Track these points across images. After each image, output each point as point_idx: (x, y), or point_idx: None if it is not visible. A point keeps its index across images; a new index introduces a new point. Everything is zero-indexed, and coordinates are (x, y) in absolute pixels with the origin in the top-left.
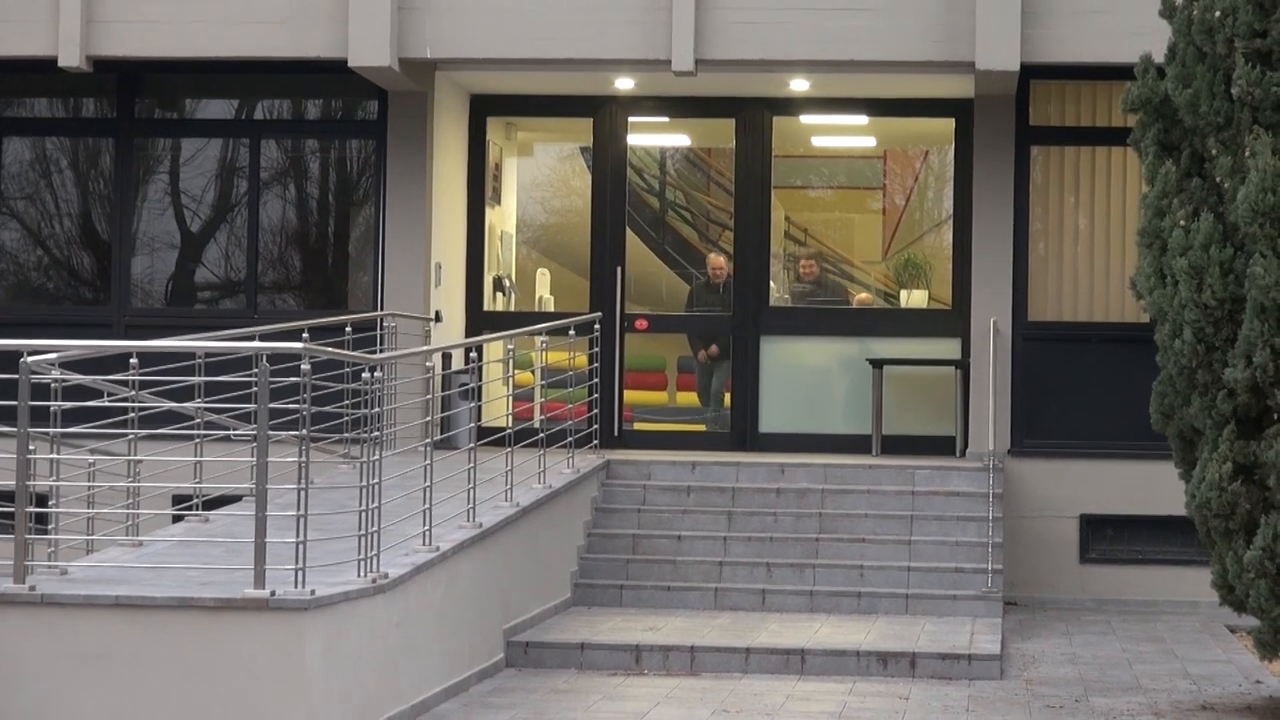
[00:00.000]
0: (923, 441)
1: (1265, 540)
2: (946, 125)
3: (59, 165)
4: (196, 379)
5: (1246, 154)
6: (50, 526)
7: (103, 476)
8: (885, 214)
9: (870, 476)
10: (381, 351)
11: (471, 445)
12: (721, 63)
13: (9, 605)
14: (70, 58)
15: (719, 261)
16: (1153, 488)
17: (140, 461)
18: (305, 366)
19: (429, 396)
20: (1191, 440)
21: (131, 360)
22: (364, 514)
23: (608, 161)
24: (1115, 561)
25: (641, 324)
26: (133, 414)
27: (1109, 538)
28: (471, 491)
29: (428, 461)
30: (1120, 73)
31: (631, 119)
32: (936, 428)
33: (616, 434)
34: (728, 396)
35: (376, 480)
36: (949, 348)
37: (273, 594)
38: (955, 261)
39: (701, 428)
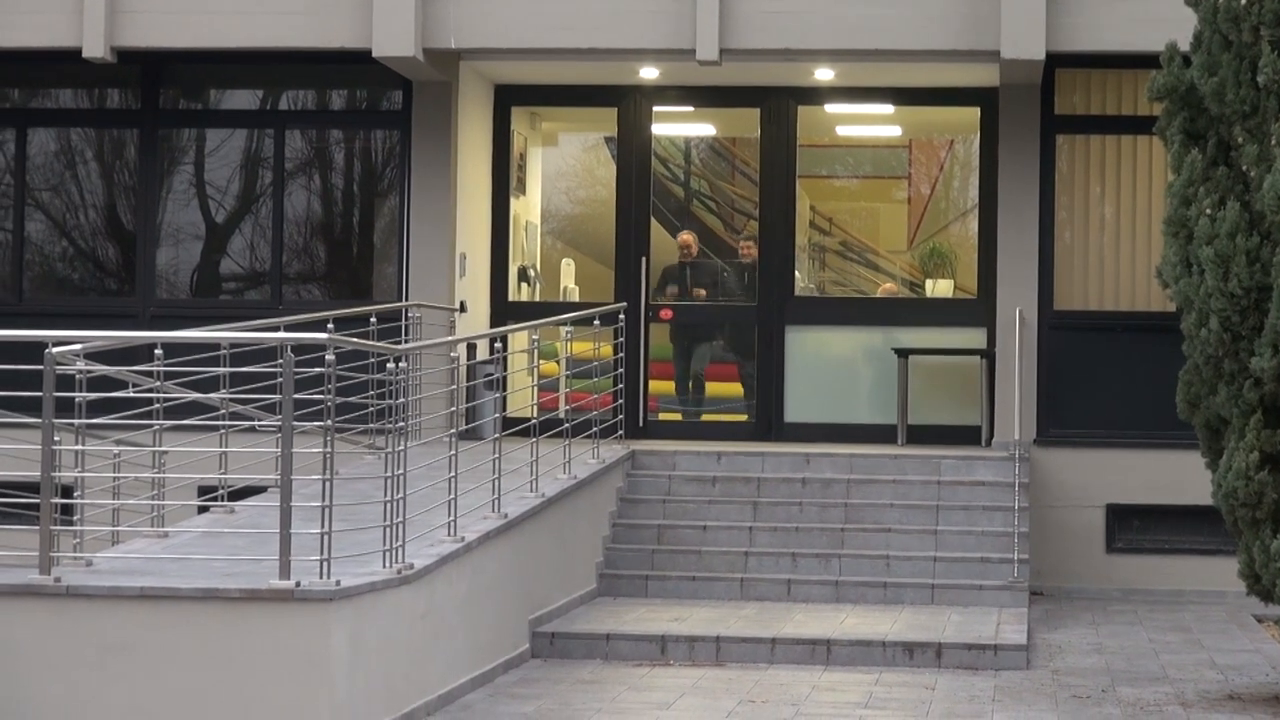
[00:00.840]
0: (948, 431)
1: None
2: (972, 114)
3: (84, 156)
4: (221, 370)
5: (1273, 142)
6: (75, 518)
7: (128, 468)
8: (910, 203)
9: (895, 466)
10: (406, 342)
11: (496, 436)
12: (746, 52)
13: (34, 597)
14: (94, 48)
15: (686, 239)
16: (1179, 477)
17: (165, 453)
18: (330, 357)
19: (454, 387)
20: (1218, 429)
21: (156, 351)
22: (389, 505)
23: (632, 151)
24: (1142, 551)
25: (666, 314)
26: (158, 405)
27: (1135, 527)
28: (496, 482)
29: (453, 452)
30: (1146, 61)
31: (656, 109)
32: (962, 417)
33: (642, 424)
34: (736, 386)
35: (401, 471)
36: (974, 337)
37: (298, 585)
38: (980, 251)
39: (728, 417)
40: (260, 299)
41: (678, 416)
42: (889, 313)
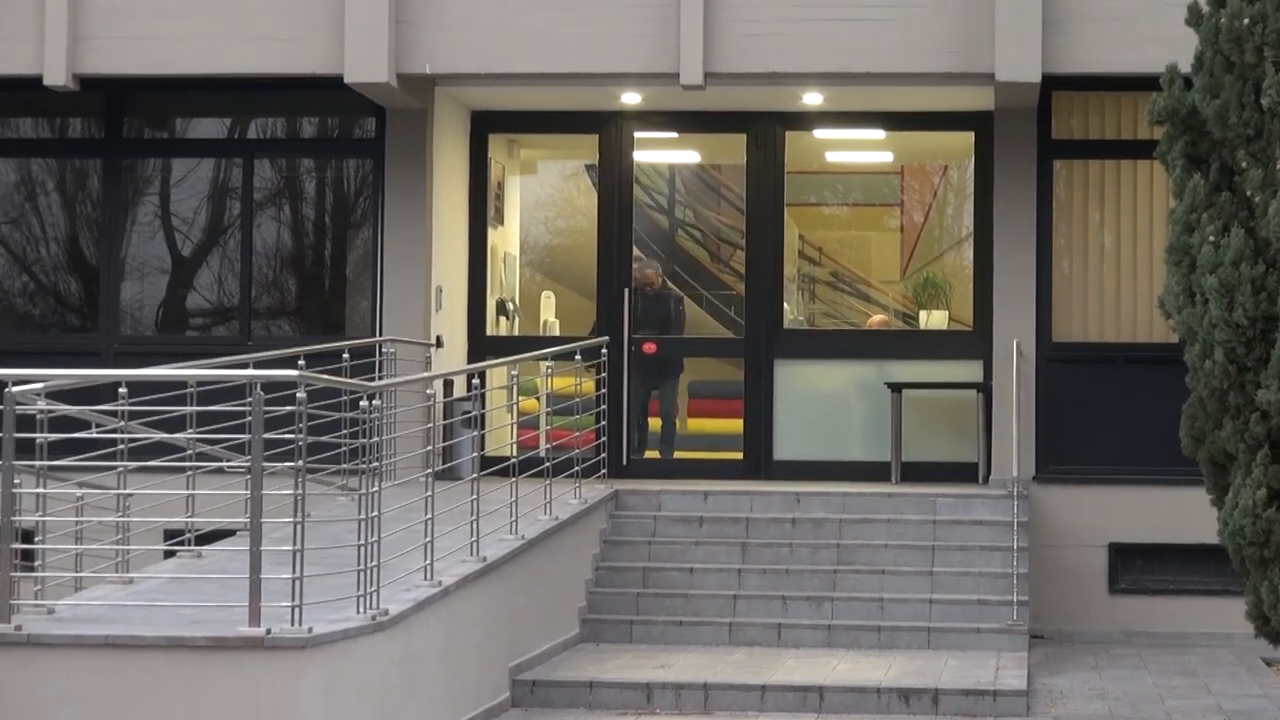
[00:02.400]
0: (944, 468)
1: None
2: (966, 139)
3: (45, 187)
4: (188, 409)
5: (1278, 166)
6: (37, 564)
7: (91, 511)
8: (903, 231)
9: (890, 505)
10: (380, 378)
11: (474, 476)
12: (731, 76)
13: None
14: (56, 76)
15: (648, 277)
16: (1184, 515)
17: (130, 495)
18: (301, 395)
19: (430, 425)
20: (1224, 465)
21: (121, 390)
22: (363, 548)
23: (614, 179)
24: (1145, 592)
25: (650, 348)
26: (122, 445)
27: (1139, 567)
28: (475, 524)
29: (429, 493)
30: (1146, 83)
31: (638, 135)
32: (958, 454)
33: (625, 463)
34: (738, 423)
35: (376, 513)
36: (970, 370)
37: (268, 632)
38: (976, 280)
39: (715, 455)
40: (228, 335)
41: (661, 455)
42: (881, 345)
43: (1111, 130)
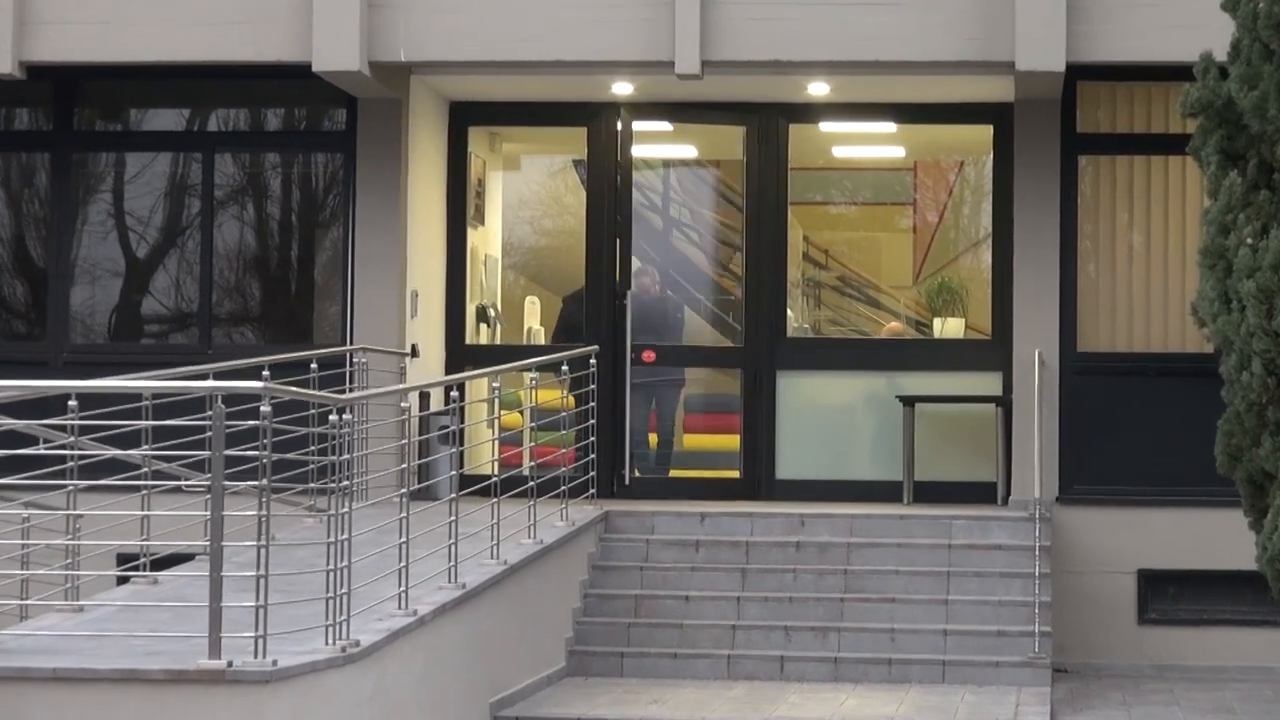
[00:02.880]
0: (960, 488)
1: None
2: (984, 133)
3: None
4: (143, 423)
5: None
6: None
7: (38, 534)
8: (916, 233)
9: (901, 528)
10: (351, 391)
11: (453, 496)
12: (730, 64)
13: None
14: (2, 64)
15: (645, 283)
16: (1219, 539)
17: (81, 516)
18: (265, 408)
19: (405, 441)
20: (1262, 485)
21: (70, 402)
22: (332, 574)
23: (604, 176)
24: (1178, 622)
25: (649, 356)
26: (72, 463)
27: (1170, 595)
28: (453, 548)
29: (404, 514)
30: (1178, 73)
31: (630, 128)
32: (975, 473)
33: (628, 483)
34: (736, 439)
35: (346, 536)
36: (989, 382)
37: (230, 665)
38: (995, 286)
39: (712, 473)
40: (187, 343)
41: (655, 473)
42: (893, 356)
43: (1141, 123)
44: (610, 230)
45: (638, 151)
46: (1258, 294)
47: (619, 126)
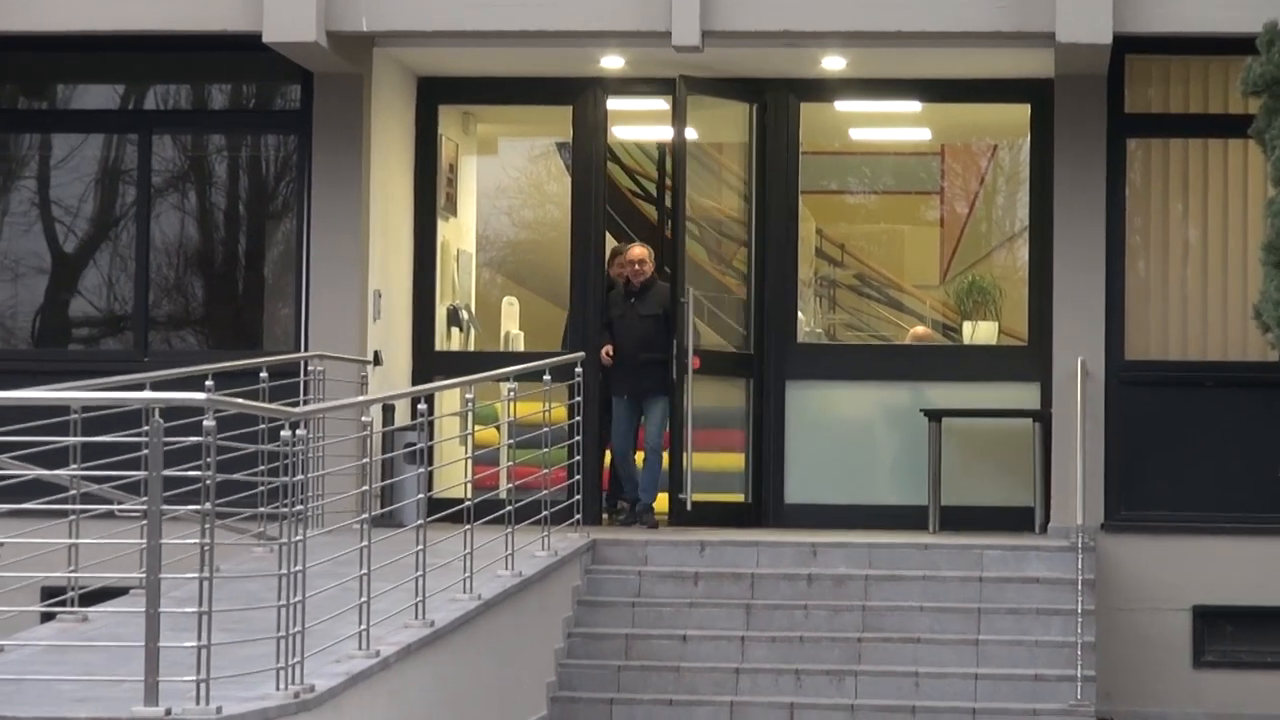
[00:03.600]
0: (992, 514)
1: None
2: (1020, 113)
3: None
4: (71, 439)
5: None
6: None
7: None
8: (944, 225)
9: (926, 559)
10: (306, 403)
11: (420, 522)
12: (734, 35)
13: None
14: None
15: (639, 253)
16: None
17: (1, 545)
18: (209, 423)
19: (366, 460)
20: None
21: None
22: (284, 610)
23: (591, 161)
24: (1237, 665)
25: (696, 362)
26: None
27: (1229, 635)
28: (420, 581)
29: (365, 543)
30: (1239, 45)
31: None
32: (1010, 497)
33: (689, 508)
34: (740, 458)
35: (300, 567)
36: (1025, 395)
37: (169, 712)
38: (1032, 285)
39: (713, 497)
40: (121, 349)
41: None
42: (917, 364)
43: (1197, 103)
44: (599, 222)
45: (629, 134)
46: None
47: (609, 106)
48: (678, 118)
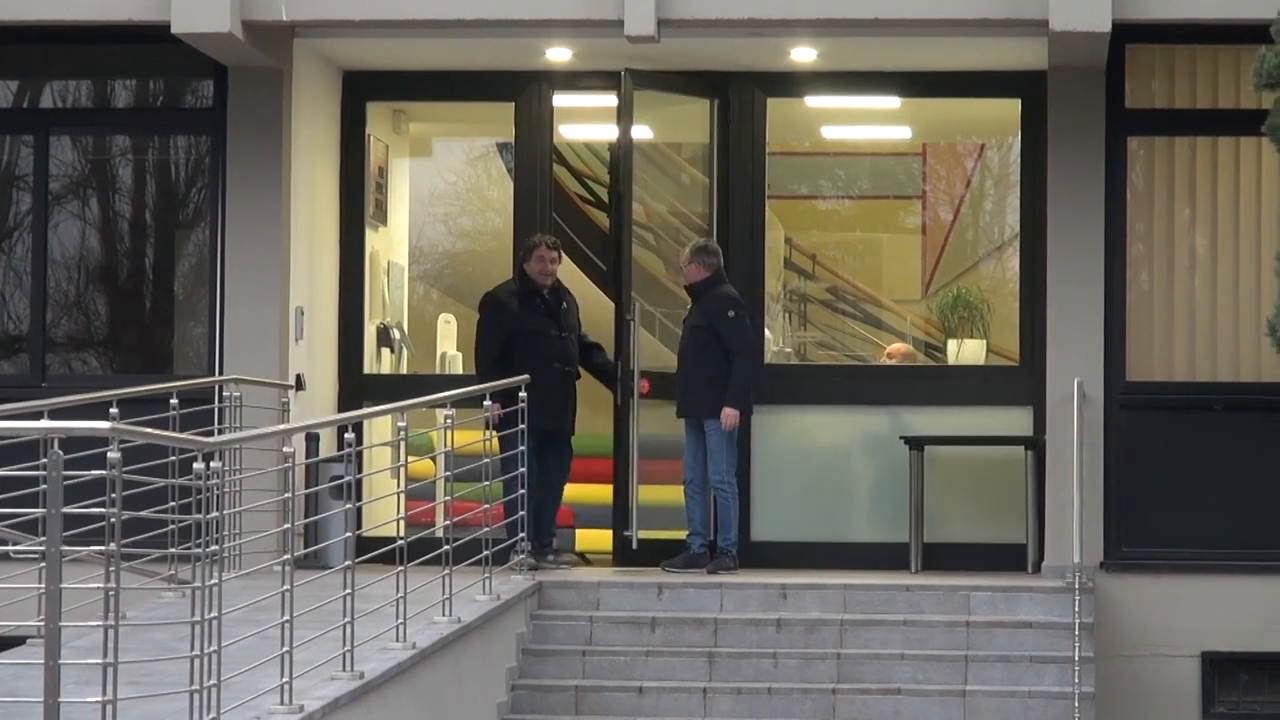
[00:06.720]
0: (981, 552)
1: None
2: (1010, 109)
3: None
4: None
5: None
6: None
7: None
8: (926, 233)
9: (908, 602)
10: (222, 432)
11: (348, 563)
12: (694, 23)
13: None
14: None
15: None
16: None
17: None
18: (114, 454)
19: (288, 495)
20: None
21: None
22: (198, 661)
23: (536, 163)
24: (1251, 718)
25: (644, 386)
26: None
27: (1243, 684)
28: (349, 628)
29: (287, 586)
30: (1251, 34)
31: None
32: (1000, 533)
33: (635, 546)
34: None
35: (215, 613)
36: (1016, 420)
37: None
38: (1023, 299)
39: (669, 534)
40: (15, 373)
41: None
42: (896, 387)
43: (1206, 97)
44: (545, 230)
45: (578, 133)
46: None
47: (555, 102)
48: (624, 115)
